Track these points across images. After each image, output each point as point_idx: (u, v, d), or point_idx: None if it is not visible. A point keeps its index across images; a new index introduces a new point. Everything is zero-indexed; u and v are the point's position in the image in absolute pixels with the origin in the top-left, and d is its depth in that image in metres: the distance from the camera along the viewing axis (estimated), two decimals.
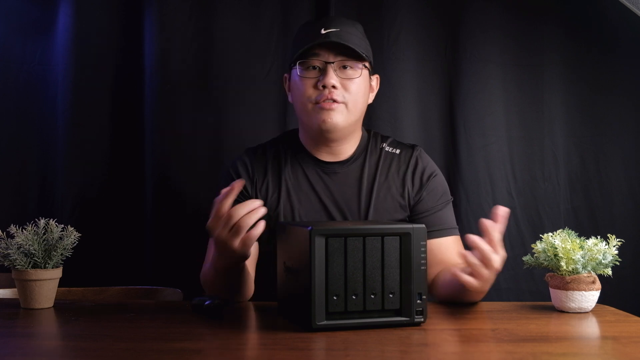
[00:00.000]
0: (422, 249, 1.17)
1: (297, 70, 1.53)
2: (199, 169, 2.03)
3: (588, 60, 2.10)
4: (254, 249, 1.54)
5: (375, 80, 1.62)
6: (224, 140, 2.04)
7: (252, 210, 1.22)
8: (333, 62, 1.50)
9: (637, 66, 2.08)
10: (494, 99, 2.08)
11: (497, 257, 1.22)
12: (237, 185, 1.23)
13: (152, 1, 2.02)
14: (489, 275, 1.24)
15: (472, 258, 1.22)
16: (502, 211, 1.24)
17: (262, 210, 1.23)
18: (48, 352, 1.08)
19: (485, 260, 1.22)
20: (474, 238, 1.21)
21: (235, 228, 1.23)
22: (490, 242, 1.21)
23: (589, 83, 2.10)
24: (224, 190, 1.24)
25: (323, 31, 1.50)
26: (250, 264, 1.53)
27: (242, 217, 1.22)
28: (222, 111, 2.05)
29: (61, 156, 2.02)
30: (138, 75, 2.05)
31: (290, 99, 1.61)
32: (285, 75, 1.62)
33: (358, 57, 1.51)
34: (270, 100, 2.06)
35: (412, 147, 1.64)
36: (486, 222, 1.21)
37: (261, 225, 1.24)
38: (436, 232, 1.55)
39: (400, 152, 1.62)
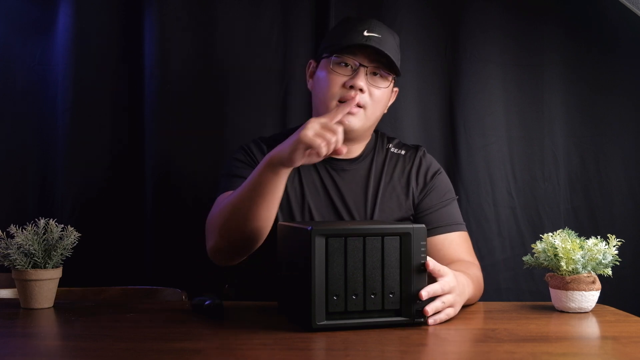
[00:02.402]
0: (422, 249, 1.17)
1: (329, 62, 1.53)
2: (199, 169, 2.03)
3: (588, 60, 2.10)
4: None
5: (395, 93, 1.64)
6: (224, 140, 2.04)
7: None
8: (367, 67, 1.50)
9: (637, 66, 2.08)
10: (494, 99, 2.08)
11: (445, 280, 1.22)
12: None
13: (152, 1, 2.02)
14: (453, 299, 1.24)
15: (433, 304, 1.21)
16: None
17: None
18: (48, 352, 1.08)
19: (442, 294, 1.22)
20: (424, 292, 1.19)
21: (328, 139, 1.22)
22: (435, 274, 1.22)
23: (589, 83, 2.10)
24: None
25: (366, 33, 1.50)
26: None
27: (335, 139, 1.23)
28: (222, 111, 2.04)
29: (61, 156, 2.02)
30: (138, 75, 2.05)
31: (309, 85, 1.62)
32: (311, 61, 1.63)
33: (391, 68, 1.52)
34: (270, 101, 2.05)
35: (416, 147, 1.66)
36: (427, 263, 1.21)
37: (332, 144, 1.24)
38: (441, 228, 1.56)
39: (405, 153, 1.64)
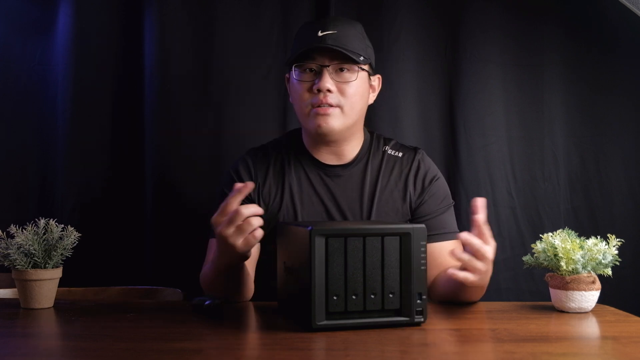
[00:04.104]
0: (422, 249, 1.17)
1: (293, 72, 1.53)
2: (199, 169, 2.03)
3: (588, 60, 2.10)
4: (254, 250, 1.54)
5: (377, 80, 1.61)
6: (224, 140, 2.04)
7: (257, 215, 1.24)
8: (329, 66, 1.48)
9: (637, 66, 2.08)
10: (494, 99, 2.08)
11: (489, 247, 1.24)
12: (249, 186, 1.24)
13: (152, 1, 2.02)
14: (484, 267, 1.25)
15: (463, 254, 1.23)
16: (481, 201, 1.25)
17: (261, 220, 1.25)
18: (48, 352, 1.08)
19: (477, 253, 1.23)
20: (464, 235, 1.22)
21: (240, 227, 1.24)
22: (480, 234, 1.23)
23: (589, 83, 2.10)
24: (236, 187, 1.25)
25: (320, 33, 1.48)
26: (250, 264, 1.53)
27: (248, 217, 1.23)
28: (222, 111, 2.05)
29: (61, 156, 2.02)
30: (138, 75, 2.05)
31: (290, 99, 1.61)
32: (286, 75, 1.62)
33: (355, 60, 1.49)
34: (270, 100, 2.06)
35: (415, 150, 1.63)
36: (476, 217, 1.23)
37: (260, 231, 1.25)
38: (437, 235, 1.54)
39: (402, 156, 1.61)
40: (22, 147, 2.04)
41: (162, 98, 2.02)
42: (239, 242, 1.25)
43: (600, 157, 2.10)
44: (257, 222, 1.24)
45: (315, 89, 1.48)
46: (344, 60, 1.49)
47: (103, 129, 2.05)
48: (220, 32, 2.05)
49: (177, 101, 2.03)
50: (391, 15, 2.06)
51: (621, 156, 2.10)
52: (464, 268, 1.24)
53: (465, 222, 2.02)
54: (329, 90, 1.48)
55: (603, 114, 2.10)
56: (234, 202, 1.25)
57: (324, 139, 1.54)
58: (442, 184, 1.61)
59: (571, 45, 2.09)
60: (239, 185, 1.25)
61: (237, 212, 1.23)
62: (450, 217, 1.60)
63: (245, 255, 1.29)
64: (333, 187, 1.57)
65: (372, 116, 2.02)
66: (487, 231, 1.23)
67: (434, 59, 2.09)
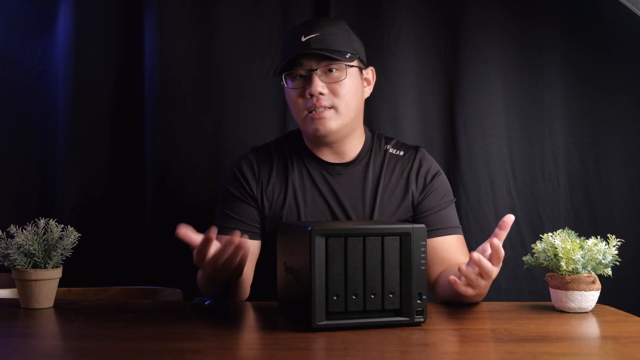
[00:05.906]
0: (422, 249, 1.17)
1: (285, 81, 1.54)
2: (198, 169, 2.03)
3: (588, 60, 2.10)
4: (254, 248, 1.54)
5: (371, 72, 1.61)
6: (224, 139, 2.04)
7: (237, 247, 1.22)
8: (317, 69, 1.49)
9: (637, 66, 2.08)
10: (494, 99, 2.08)
11: (496, 268, 1.25)
12: (212, 235, 1.22)
13: (152, 1, 2.02)
14: (485, 284, 1.27)
15: (470, 272, 1.24)
16: (510, 219, 1.27)
17: (245, 244, 1.23)
18: (48, 352, 1.08)
19: (483, 273, 1.23)
20: (475, 256, 1.22)
21: (221, 267, 1.25)
22: (493, 256, 1.23)
23: (589, 83, 2.10)
24: (203, 238, 1.23)
25: (303, 38, 1.49)
26: (249, 264, 1.53)
27: (227, 257, 1.23)
28: (222, 111, 2.05)
29: (61, 156, 2.02)
30: (138, 75, 2.05)
31: (288, 106, 1.62)
32: (282, 83, 1.61)
33: (341, 59, 1.49)
34: (270, 100, 2.06)
35: (416, 148, 1.64)
36: (495, 241, 1.23)
37: (245, 259, 1.26)
38: (439, 230, 1.55)
39: (404, 154, 1.62)
40: (22, 148, 2.04)
41: (162, 98, 2.02)
42: (226, 275, 1.29)
43: (600, 157, 2.10)
44: (238, 256, 1.23)
45: (307, 94, 1.49)
46: (331, 61, 1.49)
47: (103, 129, 2.05)
48: (220, 32, 2.05)
49: (177, 101, 2.03)
50: (391, 15, 2.06)
51: (621, 156, 2.10)
52: (466, 282, 1.26)
53: (464, 223, 2.02)
54: (320, 94, 1.48)
55: (603, 114, 2.10)
56: (206, 254, 1.24)
57: (324, 140, 1.55)
58: (443, 180, 1.62)
59: (571, 45, 2.09)
60: (195, 238, 1.23)
61: (214, 259, 1.24)
62: (452, 212, 1.60)
63: (236, 279, 1.31)
64: (335, 185, 1.57)
65: (372, 116, 2.02)
66: (500, 254, 1.23)
67: (434, 59, 2.09)
